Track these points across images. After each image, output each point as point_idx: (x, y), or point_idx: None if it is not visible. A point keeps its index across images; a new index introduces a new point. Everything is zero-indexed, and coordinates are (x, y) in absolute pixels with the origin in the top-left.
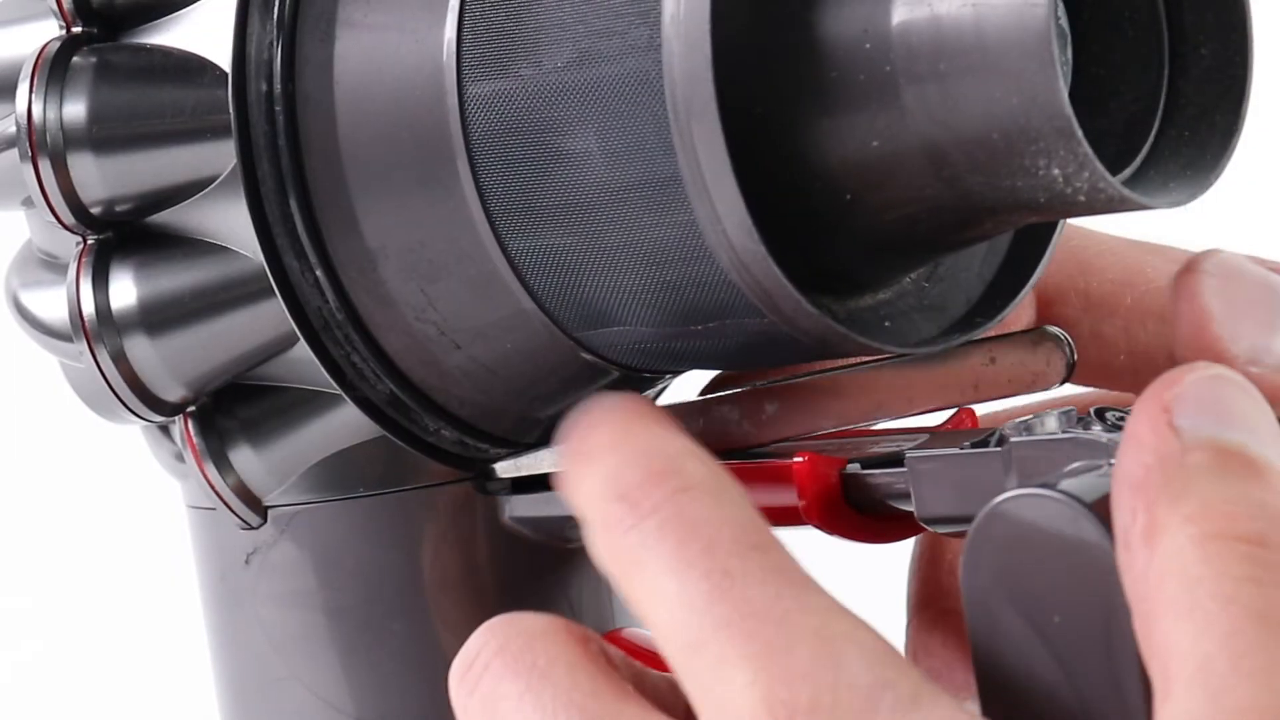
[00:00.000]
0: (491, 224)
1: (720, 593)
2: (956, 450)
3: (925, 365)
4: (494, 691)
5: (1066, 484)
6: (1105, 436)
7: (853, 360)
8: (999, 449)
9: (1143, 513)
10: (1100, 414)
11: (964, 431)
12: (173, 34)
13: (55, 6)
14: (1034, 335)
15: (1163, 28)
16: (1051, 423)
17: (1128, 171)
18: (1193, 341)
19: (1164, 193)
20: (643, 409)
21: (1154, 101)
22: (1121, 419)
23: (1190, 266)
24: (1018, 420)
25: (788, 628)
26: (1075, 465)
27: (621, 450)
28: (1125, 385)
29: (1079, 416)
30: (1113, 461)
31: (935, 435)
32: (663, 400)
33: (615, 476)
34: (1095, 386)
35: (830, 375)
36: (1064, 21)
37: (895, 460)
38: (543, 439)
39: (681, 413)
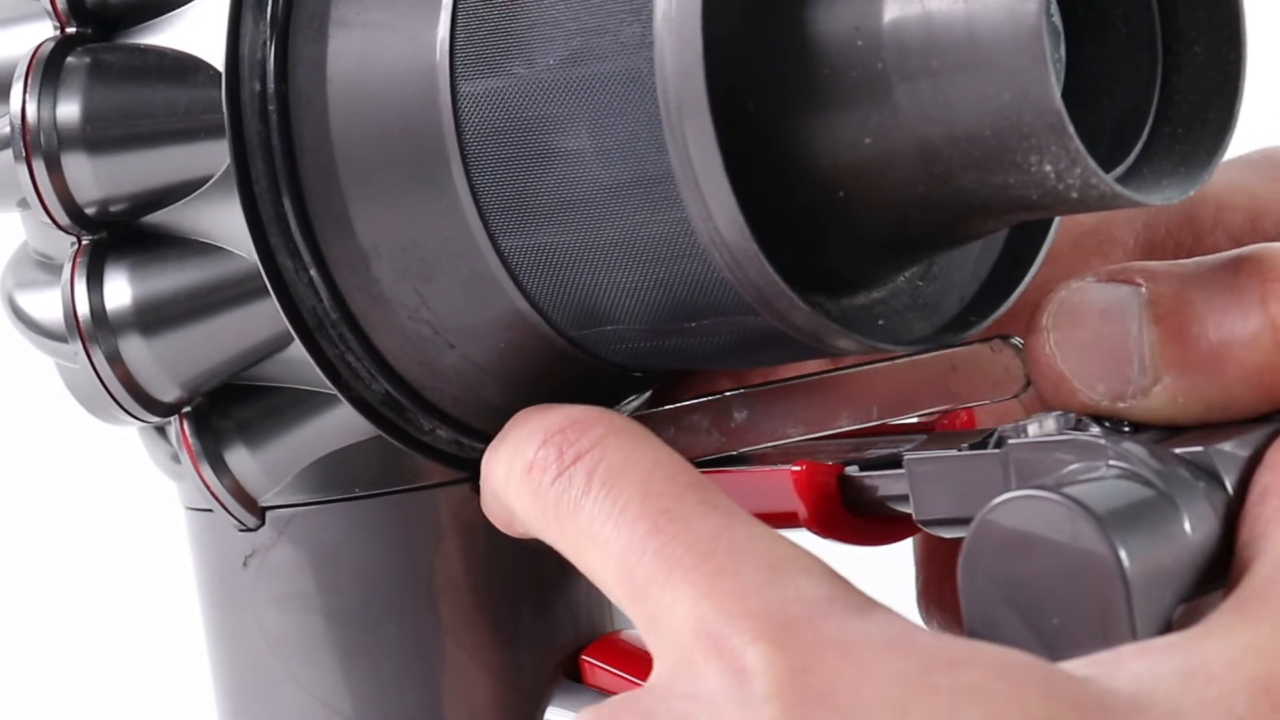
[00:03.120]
0: (485, 223)
1: (659, 529)
2: (954, 452)
3: (891, 372)
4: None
5: (1066, 486)
6: (1104, 439)
7: (817, 369)
8: (997, 451)
9: None
10: (1097, 417)
11: (962, 433)
12: (167, 34)
13: (50, 7)
14: (992, 344)
15: (1156, 25)
16: (1050, 425)
17: (1121, 168)
18: (1056, 400)
19: (1157, 189)
20: None
21: (1147, 98)
22: (1120, 421)
23: (1033, 326)
24: (1016, 422)
25: (733, 554)
26: (1074, 467)
27: (543, 412)
28: None
29: (1077, 419)
30: (1112, 463)
31: (933, 436)
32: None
33: (539, 427)
34: None
35: (798, 382)
36: (1057, 19)
37: (893, 462)
38: None
39: (652, 422)
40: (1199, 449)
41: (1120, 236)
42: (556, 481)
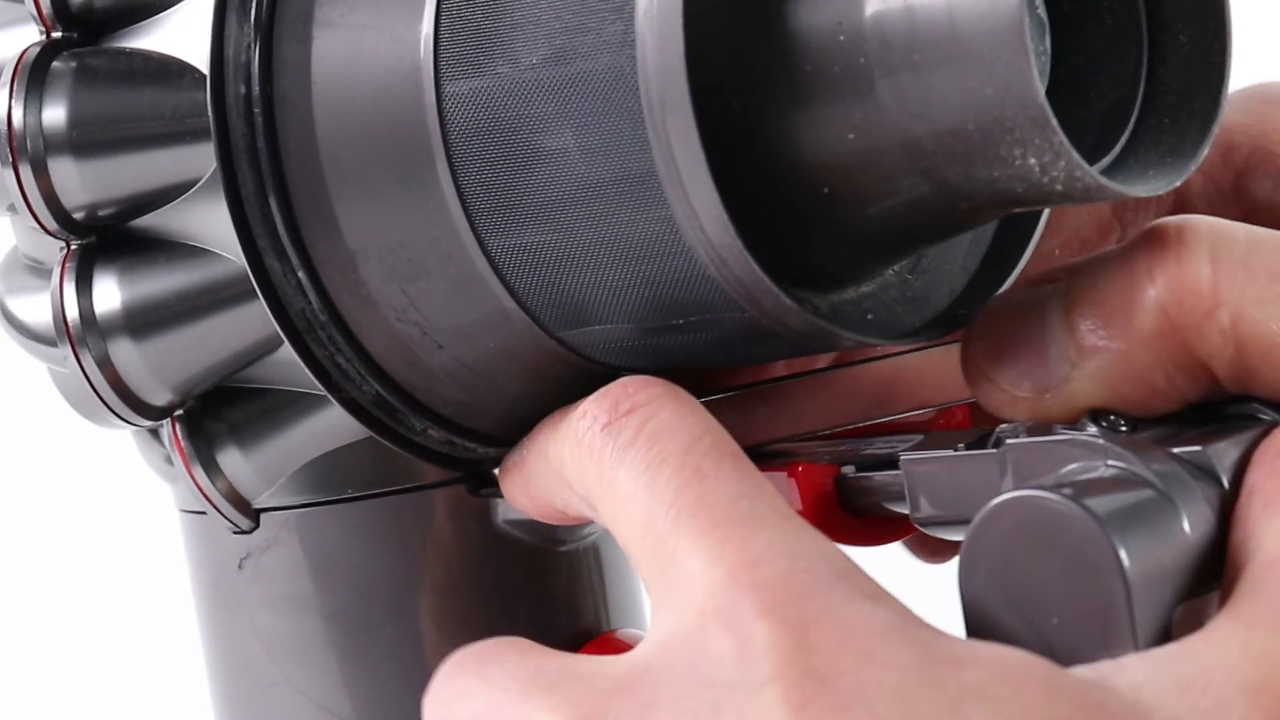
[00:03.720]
0: (471, 223)
1: (689, 486)
2: (951, 452)
3: (921, 362)
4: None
5: (1065, 486)
6: (1102, 438)
7: (839, 361)
8: (995, 450)
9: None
10: (1095, 416)
11: (958, 432)
12: (152, 38)
13: (35, 11)
14: None
15: (1141, 15)
16: (1048, 425)
17: (1107, 160)
18: (985, 400)
19: (1143, 180)
20: None
21: (1133, 89)
22: (1117, 420)
23: (965, 335)
24: (1014, 422)
25: (753, 522)
26: (1072, 467)
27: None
28: None
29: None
30: (1110, 463)
31: (930, 437)
32: None
33: (599, 390)
34: None
35: (816, 376)
36: (1042, 10)
37: (890, 463)
38: None
39: None
40: (1197, 448)
41: None
42: (605, 430)
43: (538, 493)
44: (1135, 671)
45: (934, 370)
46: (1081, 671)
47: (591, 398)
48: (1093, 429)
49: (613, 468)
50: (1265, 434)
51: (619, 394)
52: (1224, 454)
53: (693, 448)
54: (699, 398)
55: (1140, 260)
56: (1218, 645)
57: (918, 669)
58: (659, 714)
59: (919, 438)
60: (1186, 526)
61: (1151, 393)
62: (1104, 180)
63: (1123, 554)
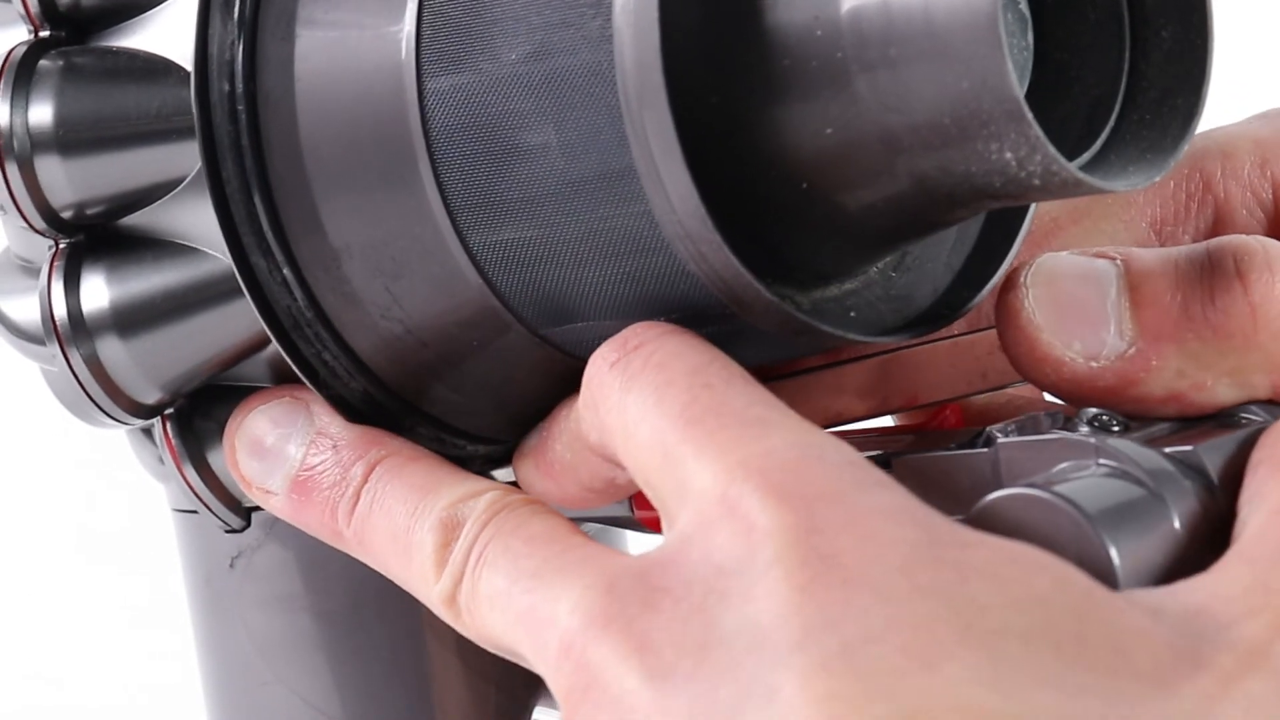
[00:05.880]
0: (453, 220)
1: (697, 400)
2: (943, 451)
3: (933, 356)
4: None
5: (1056, 485)
6: (1093, 437)
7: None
8: (986, 450)
9: None
10: (1088, 416)
11: (950, 432)
12: (139, 36)
13: (22, 10)
14: None
15: (1124, 10)
16: (1039, 424)
17: (1087, 155)
18: (1026, 358)
19: (1123, 176)
20: None
21: (1115, 85)
22: (1109, 420)
23: (1009, 283)
24: (1005, 421)
25: (763, 424)
26: (1063, 466)
27: None
28: None
29: (1066, 418)
30: (1101, 462)
31: (921, 436)
32: None
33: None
34: None
35: (831, 370)
36: (1024, 6)
37: (882, 463)
38: (519, 434)
39: None
40: (1188, 448)
41: (1131, 194)
42: (614, 366)
43: (561, 472)
44: (1144, 600)
45: (945, 366)
46: None
47: (602, 345)
48: (1084, 428)
49: (621, 398)
50: (1258, 433)
51: (627, 334)
52: (1215, 453)
53: (701, 369)
54: None
55: (1226, 264)
56: (1221, 580)
57: (923, 548)
58: (666, 601)
59: (910, 437)
60: (1177, 525)
61: (1203, 390)
62: (1081, 175)
63: (1113, 552)
